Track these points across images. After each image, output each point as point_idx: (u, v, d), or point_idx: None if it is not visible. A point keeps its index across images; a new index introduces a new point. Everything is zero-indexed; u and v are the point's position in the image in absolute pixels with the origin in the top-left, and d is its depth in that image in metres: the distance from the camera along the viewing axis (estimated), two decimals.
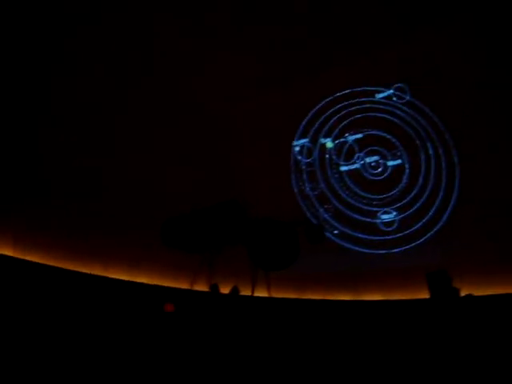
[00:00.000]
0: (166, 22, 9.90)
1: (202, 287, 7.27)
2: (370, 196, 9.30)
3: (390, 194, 9.11)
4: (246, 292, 6.71)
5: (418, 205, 8.80)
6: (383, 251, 8.80)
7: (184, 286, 8.57)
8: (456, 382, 4.14)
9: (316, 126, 10.20)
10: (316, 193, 9.85)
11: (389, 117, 9.44)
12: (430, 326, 5.49)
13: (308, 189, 9.95)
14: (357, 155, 9.66)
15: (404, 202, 8.94)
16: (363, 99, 9.78)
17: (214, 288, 6.75)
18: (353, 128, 9.82)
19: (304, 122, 10.33)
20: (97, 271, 9.24)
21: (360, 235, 9.13)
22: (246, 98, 10.48)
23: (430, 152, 8.88)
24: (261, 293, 6.95)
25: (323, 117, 10.14)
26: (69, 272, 8.90)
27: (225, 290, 6.80)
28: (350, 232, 9.24)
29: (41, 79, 9.70)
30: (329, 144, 10.04)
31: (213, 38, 9.99)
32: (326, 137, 10.11)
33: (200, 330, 5.67)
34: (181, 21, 9.91)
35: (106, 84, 9.95)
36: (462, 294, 5.90)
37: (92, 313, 6.93)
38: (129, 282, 9.34)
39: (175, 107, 10.29)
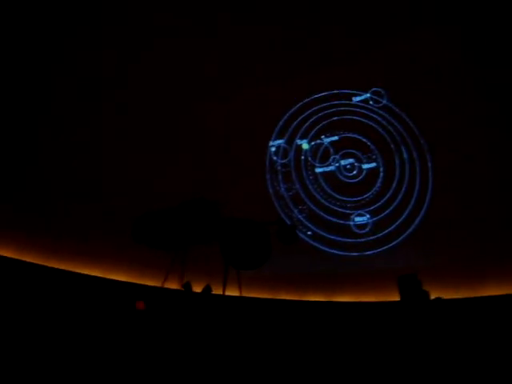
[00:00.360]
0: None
1: (174, 285, 7.15)
2: (344, 198, 9.31)
3: (364, 196, 9.14)
4: (219, 291, 6.65)
5: (391, 208, 8.85)
6: (356, 253, 8.81)
7: (157, 283, 8.45)
8: (425, 381, 4.16)
9: (292, 127, 10.17)
10: (291, 194, 9.82)
11: (365, 120, 9.49)
12: (401, 327, 5.53)
13: (283, 189, 9.91)
14: (332, 157, 9.67)
15: (378, 205, 8.99)
16: (340, 102, 9.81)
17: (187, 286, 6.69)
18: (329, 130, 9.83)
19: (281, 123, 10.29)
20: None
21: (333, 237, 9.11)
22: (224, 97, 10.42)
23: (405, 156, 8.96)
24: (235, 292, 6.90)
25: (300, 118, 10.12)
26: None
27: (198, 288, 6.72)
28: (323, 234, 9.22)
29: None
30: (305, 145, 10.03)
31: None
32: (302, 138, 10.08)
33: (171, 328, 5.59)
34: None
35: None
36: (432, 297, 5.97)
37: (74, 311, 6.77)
38: (104, 279, 9.15)
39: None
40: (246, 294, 7.57)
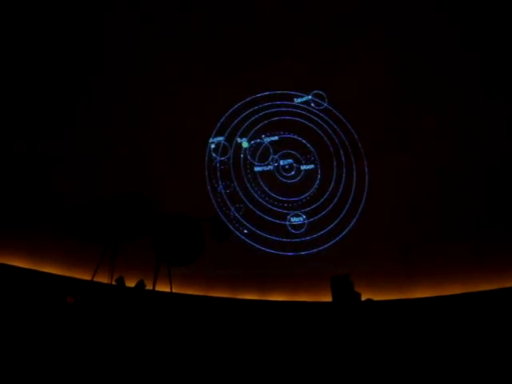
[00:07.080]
0: None
1: (105, 279, 6.88)
2: (281, 198, 9.32)
3: (301, 197, 9.19)
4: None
5: (327, 210, 8.94)
6: (291, 253, 8.84)
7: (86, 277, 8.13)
8: (355, 379, 4.18)
9: (233, 124, 10.09)
10: (228, 191, 9.71)
11: (305, 122, 9.56)
12: (332, 327, 5.56)
13: (221, 187, 9.79)
14: (271, 157, 9.66)
15: (314, 206, 9.06)
16: (282, 102, 9.84)
17: (120, 281, 6.65)
18: (269, 130, 9.83)
19: (221, 120, 10.19)
20: None
21: (269, 236, 9.09)
22: (166, 91, 10.22)
23: (343, 159, 9.09)
24: (167, 288, 6.73)
25: (241, 116, 10.06)
26: None
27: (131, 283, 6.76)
28: (259, 232, 9.18)
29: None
30: (244, 144, 9.97)
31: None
32: (242, 136, 10.02)
33: (105, 323, 5.36)
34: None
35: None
36: (363, 298, 6.06)
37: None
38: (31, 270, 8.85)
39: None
40: (178, 291, 7.56)
